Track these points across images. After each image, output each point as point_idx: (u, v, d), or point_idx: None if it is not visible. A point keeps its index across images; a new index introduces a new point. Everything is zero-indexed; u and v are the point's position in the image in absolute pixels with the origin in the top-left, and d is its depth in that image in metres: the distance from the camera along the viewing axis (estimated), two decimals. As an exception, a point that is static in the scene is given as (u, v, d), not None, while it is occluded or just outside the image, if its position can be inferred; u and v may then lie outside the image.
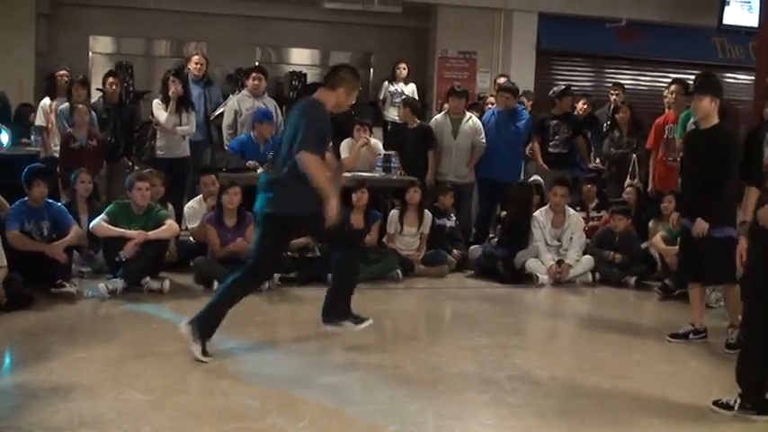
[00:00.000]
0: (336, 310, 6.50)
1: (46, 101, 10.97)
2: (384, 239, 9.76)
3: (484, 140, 10.88)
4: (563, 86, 11.86)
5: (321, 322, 6.51)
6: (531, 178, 11.03)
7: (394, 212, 9.89)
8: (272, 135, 10.35)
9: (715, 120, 6.88)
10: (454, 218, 10.37)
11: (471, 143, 10.90)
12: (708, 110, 6.84)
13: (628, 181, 10.96)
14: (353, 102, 6.62)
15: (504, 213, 10.29)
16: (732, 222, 6.89)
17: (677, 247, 8.83)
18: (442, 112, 11.37)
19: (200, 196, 9.52)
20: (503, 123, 10.92)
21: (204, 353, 6.01)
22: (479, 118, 11.21)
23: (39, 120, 10.87)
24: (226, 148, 10.61)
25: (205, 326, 6.09)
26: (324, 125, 6.23)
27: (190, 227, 9.33)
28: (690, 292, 7.43)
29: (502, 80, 12.29)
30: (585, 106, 12.41)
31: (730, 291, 7.10)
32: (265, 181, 6.39)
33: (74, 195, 9.19)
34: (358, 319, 6.54)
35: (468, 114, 11.13)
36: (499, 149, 10.84)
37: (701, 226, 6.81)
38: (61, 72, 11.18)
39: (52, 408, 4.96)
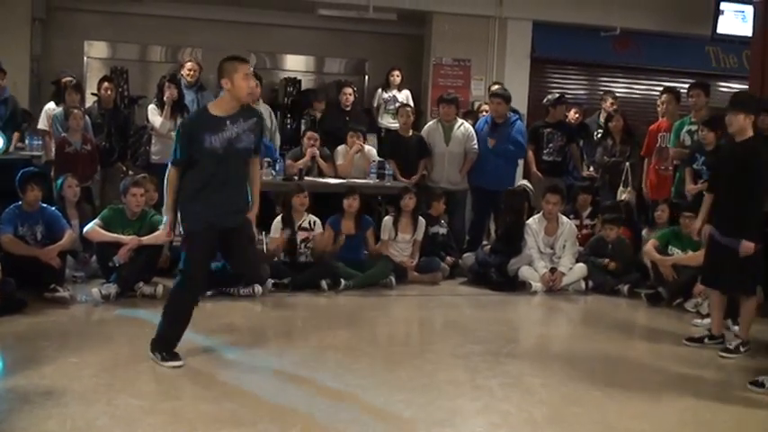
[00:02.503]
0: None
1: (50, 105, 10.96)
2: (377, 246, 9.76)
3: (476, 147, 10.89)
4: (557, 95, 11.88)
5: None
6: (518, 183, 10.99)
7: (388, 219, 9.90)
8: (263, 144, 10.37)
9: (749, 133, 7.07)
10: (446, 225, 10.38)
11: (464, 149, 10.91)
12: (742, 125, 7.03)
13: (621, 189, 10.97)
14: (250, 83, 6.38)
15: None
16: (757, 234, 7.02)
17: (671, 257, 8.99)
18: (434, 120, 11.39)
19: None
20: (495, 132, 10.91)
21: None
22: (474, 126, 11.24)
23: (41, 123, 10.87)
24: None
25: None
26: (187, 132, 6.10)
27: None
28: (710, 299, 7.67)
29: (495, 87, 12.29)
30: (577, 115, 12.41)
31: (746, 302, 7.24)
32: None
33: (62, 201, 9.18)
34: None
35: (460, 121, 11.15)
36: (492, 158, 10.83)
37: (747, 247, 6.94)
38: (67, 78, 11.19)
39: (45, 412, 4.97)
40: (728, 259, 7.06)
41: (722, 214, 7.26)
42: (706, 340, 7.43)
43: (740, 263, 6.99)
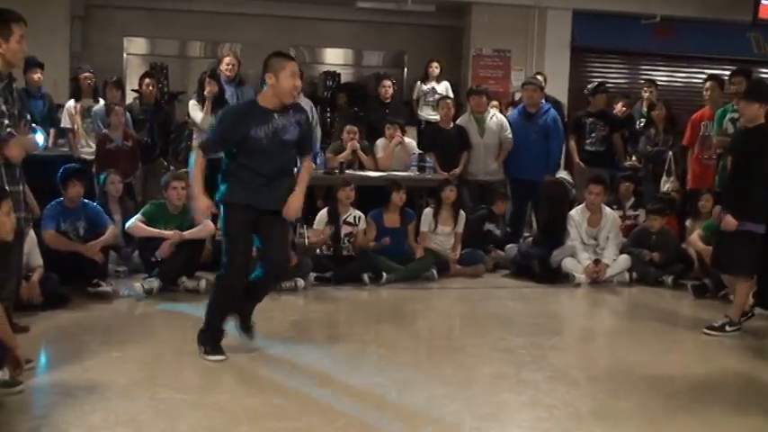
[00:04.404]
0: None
1: (70, 102, 11.03)
2: (418, 238, 9.72)
3: (510, 135, 10.84)
4: (596, 83, 11.79)
5: None
6: (558, 175, 10.91)
7: (428, 211, 9.84)
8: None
9: (761, 120, 7.22)
10: (504, 225, 10.36)
11: (498, 140, 10.85)
12: (756, 114, 7.21)
13: (664, 178, 10.86)
14: (297, 83, 6.16)
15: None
16: (756, 218, 7.10)
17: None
18: (466, 113, 11.32)
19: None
20: (529, 121, 10.84)
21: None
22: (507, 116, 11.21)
23: (64, 122, 10.93)
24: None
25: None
26: (226, 126, 6.17)
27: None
28: (727, 284, 7.80)
29: (538, 77, 12.17)
30: (624, 108, 12.21)
31: (739, 282, 7.42)
32: None
33: (105, 196, 9.24)
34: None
35: (492, 111, 11.12)
36: (527, 148, 10.77)
37: (729, 222, 7.13)
38: (85, 74, 11.21)
39: (89, 407, 4.98)
40: (733, 241, 7.19)
41: (729, 198, 7.44)
42: (748, 314, 7.54)
43: (736, 243, 7.14)
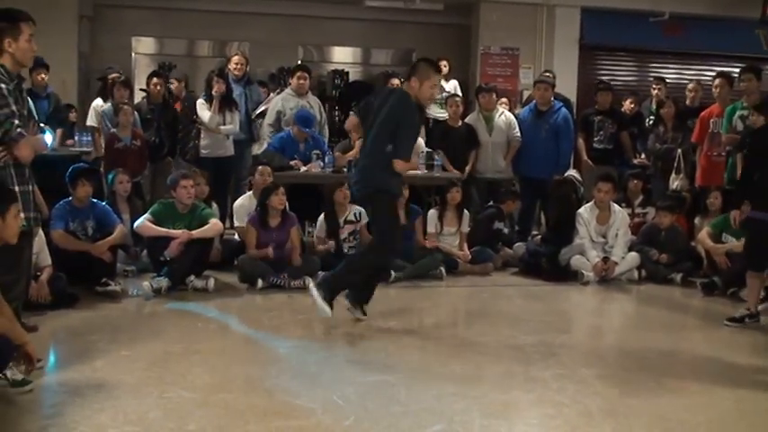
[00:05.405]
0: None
1: (98, 102, 11.07)
2: (425, 238, 9.69)
3: (518, 134, 10.85)
4: (599, 81, 11.83)
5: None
6: (566, 174, 10.90)
7: (432, 212, 9.81)
8: (311, 136, 10.33)
9: None
10: (511, 224, 10.34)
11: (506, 138, 10.85)
12: None
13: (673, 176, 10.83)
14: (432, 93, 7.03)
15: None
16: None
17: (724, 245, 8.87)
18: (475, 111, 11.32)
19: (250, 193, 9.53)
20: (540, 119, 10.83)
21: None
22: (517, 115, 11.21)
23: (90, 120, 10.99)
24: (265, 145, 10.56)
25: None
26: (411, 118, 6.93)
27: (238, 224, 9.36)
28: (751, 279, 7.62)
29: (546, 75, 12.16)
30: (633, 105, 12.22)
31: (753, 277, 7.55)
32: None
33: (113, 196, 9.24)
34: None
35: (501, 110, 11.14)
36: (537, 146, 10.75)
37: None
38: (114, 75, 11.25)
39: (97, 405, 4.97)
40: None
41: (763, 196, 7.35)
42: (746, 320, 7.51)
43: None
